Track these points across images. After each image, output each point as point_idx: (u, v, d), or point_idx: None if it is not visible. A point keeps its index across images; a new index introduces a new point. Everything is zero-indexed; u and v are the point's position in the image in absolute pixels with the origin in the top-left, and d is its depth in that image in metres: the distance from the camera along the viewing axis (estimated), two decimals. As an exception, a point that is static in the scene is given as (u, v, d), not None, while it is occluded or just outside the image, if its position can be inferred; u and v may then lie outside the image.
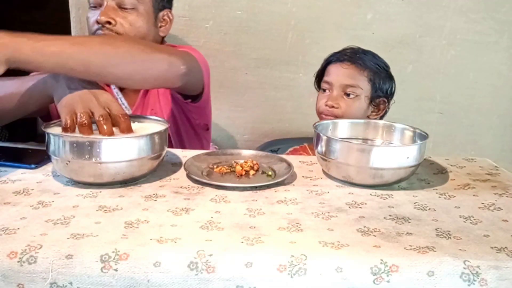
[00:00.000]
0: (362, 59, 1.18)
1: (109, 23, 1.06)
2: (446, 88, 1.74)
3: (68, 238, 0.56)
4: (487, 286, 0.53)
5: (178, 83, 0.97)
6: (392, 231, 0.61)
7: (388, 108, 1.24)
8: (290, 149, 1.34)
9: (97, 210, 0.64)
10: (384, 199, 0.72)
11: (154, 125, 0.82)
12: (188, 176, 0.79)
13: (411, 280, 0.53)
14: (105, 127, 0.75)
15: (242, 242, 0.56)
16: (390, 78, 1.22)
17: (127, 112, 0.84)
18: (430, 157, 0.94)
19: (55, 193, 0.70)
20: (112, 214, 0.63)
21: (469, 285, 0.53)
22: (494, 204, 0.72)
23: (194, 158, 0.84)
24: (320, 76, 1.26)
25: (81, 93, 0.78)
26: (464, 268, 0.54)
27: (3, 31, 0.74)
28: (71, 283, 0.53)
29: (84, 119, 0.74)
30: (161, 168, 0.81)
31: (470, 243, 0.58)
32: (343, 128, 0.93)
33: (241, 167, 0.81)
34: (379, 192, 0.75)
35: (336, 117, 1.17)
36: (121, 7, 1.07)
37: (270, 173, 0.81)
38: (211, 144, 1.36)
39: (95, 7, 1.10)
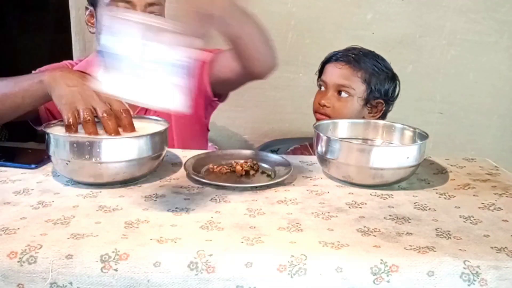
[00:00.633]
0: (357, 60, 1.16)
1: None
2: (446, 88, 1.73)
3: (68, 238, 0.56)
4: (487, 286, 0.53)
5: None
6: (392, 231, 0.61)
7: (389, 110, 1.23)
8: (291, 147, 1.33)
9: (97, 210, 0.64)
10: (384, 199, 0.72)
11: (154, 125, 0.82)
12: (188, 176, 0.79)
13: (411, 280, 0.53)
14: (109, 123, 0.74)
15: (242, 242, 0.56)
16: (392, 80, 1.20)
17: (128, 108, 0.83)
18: (430, 157, 0.94)
19: (55, 193, 0.70)
20: (112, 214, 0.63)
21: (469, 285, 0.53)
22: (494, 204, 0.72)
23: (194, 158, 0.84)
24: (320, 75, 1.26)
25: (81, 90, 0.76)
26: (464, 268, 0.54)
27: None
28: (71, 283, 0.53)
29: (87, 115, 0.73)
30: (161, 168, 0.81)
31: (470, 243, 0.58)
32: (343, 128, 0.93)
33: (241, 167, 0.81)
34: (379, 192, 0.75)
35: (328, 116, 1.16)
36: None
37: (270, 173, 0.81)
38: (211, 144, 1.36)
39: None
